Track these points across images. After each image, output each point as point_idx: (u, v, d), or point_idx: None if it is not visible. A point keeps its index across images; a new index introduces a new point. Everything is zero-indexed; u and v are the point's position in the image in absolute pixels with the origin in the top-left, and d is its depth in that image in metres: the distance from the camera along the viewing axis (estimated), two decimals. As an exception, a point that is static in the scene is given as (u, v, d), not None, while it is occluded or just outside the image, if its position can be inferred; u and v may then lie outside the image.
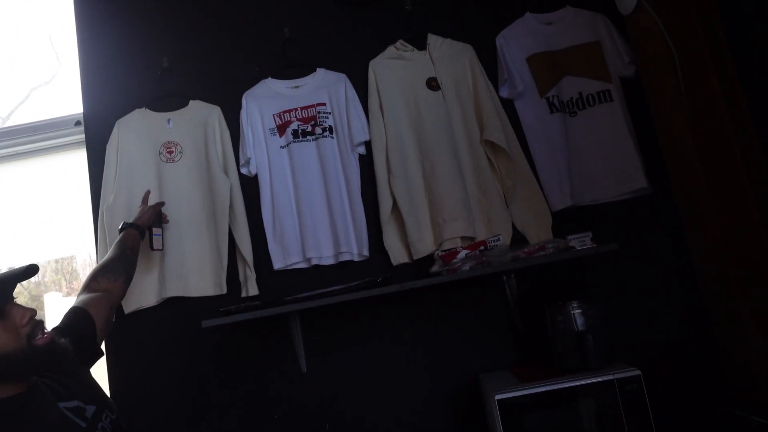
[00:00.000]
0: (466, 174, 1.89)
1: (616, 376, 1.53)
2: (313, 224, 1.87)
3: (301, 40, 2.05)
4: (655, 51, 1.76)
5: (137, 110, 2.00)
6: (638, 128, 1.91)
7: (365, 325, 1.90)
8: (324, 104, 1.96)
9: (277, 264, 1.90)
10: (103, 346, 1.42)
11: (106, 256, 1.59)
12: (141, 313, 1.88)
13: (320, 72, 2.02)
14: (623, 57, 1.94)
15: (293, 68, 2.02)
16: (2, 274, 1.09)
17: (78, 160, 2.13)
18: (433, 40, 2.00)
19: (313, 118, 1.95)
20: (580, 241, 1.67)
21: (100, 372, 1.83)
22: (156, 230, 1.77)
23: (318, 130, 1.94)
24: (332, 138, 1.94)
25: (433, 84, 1.94)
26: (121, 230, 1.69)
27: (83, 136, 2.06)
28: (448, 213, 1.82)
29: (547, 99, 1.95)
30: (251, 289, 1.86)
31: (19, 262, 1.11)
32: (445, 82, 1.95)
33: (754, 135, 1.57)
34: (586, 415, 1.54)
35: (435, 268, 1.73)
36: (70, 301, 1.43)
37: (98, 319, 1.37)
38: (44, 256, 2.36)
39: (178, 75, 2.05)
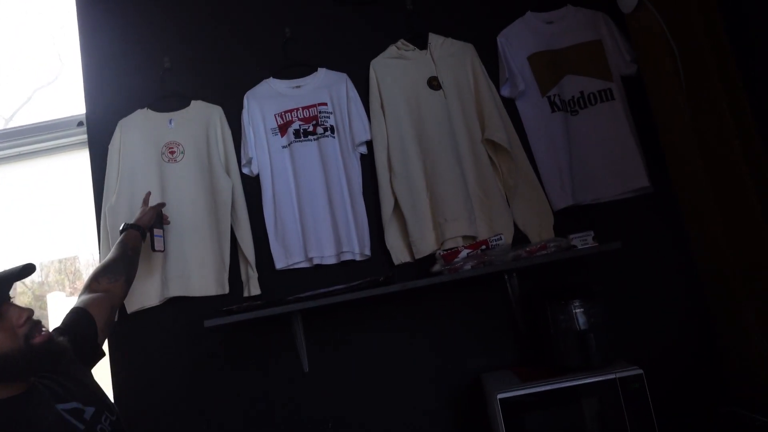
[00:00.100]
0: (467, 173, 1.89)
1: (618, 375, 1.53)
2: (315, 224, 1.87)
3: (302, 39, 2.06)
4: (657, 49, 1.76)
5: (139, 110, 2.01)
6: (639, 127, 1.91)
7: (367, 325, 1.91)
8: (325, 104, 1.97)
9: (279, 264, 1.90)
10: (105, 347, 1.42)
11: (107, 257, 1.59)
12: (143, 313, 1.89)
13: (321, 72, 2.02)
14: (624, 56, 1.94)
15: (294, 68, 2.03)
16: None
17: (80, 161, 2.14)
18: (434, 39, 2.00)
19: (315, 117, 1.95)
20: (582, 240, 1.67)
21: (102, 372, 1.84)
22: (157, 231, 1.77)
23: (319, 129, 1.94)
24: (334, 138, 1.94)
25: (434, 83, 1.95)
26: (122, 231, 1.69)
27: (86, 136, 2.07)
28: (450, 212, 1.82)
29: (549, 98, 1.95)
30: (253, 288, 1.87)
31: (22, 263, 1.10)
32: (446, 82, 1.95)
33: (756, 133, 1.56)
34: (588, 414, 1.54)
35: (437, 268, 1.73)
36: (73, 301, 1.43)
37: (99, 319, 1.36)
38: (47, 256, 2.37)
39: (179, 75, 2.06)
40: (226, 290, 1.89)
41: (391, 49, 2.01)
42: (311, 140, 1.93)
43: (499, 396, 1.54)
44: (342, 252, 1.87)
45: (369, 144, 1.96)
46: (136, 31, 2.12)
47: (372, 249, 1.91)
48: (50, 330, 1.11)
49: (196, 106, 2.01)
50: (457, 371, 1.86)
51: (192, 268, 1.88)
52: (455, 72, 1.96)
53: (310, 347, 1.88)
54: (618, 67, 1.94)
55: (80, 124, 2.11)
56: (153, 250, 1.76)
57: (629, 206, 1.89)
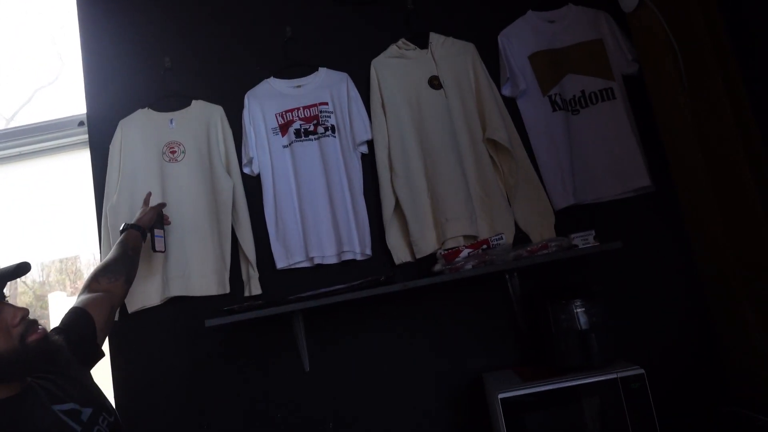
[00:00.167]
0: (468, 173, 1.88)
1: (620, 374, 1.53)
2: (316, 223, 1.87)
3: (303, 39, 2.06)
4: (658, 48, 1.76)
5: (140, 110, 2.01)
6: (641, 126, 1.91)
7: (368, 324, 1.91)
8: (326, 103, 1.97)
9: (280, 263, 1.90)
10: (106, 347, 1.42)
11: (107, 257, 1.59)
12: (144, 313, 1.89)
13: (322, 71, 2.02)
14: (626, 55, 1.93)
15: (295, 67, 2.02)
16: None
17: (81, 161, 2.14)
18: (435, 38, 2.00)
19: (316, 117, 1.95)
20: (583, 240, 1.67)
21: (103, 372, 1.84)
22: (158, 232, 1.76)
23: (320, 129, 1.94)
24: (334, 137, 1.94)
25: (435, 83, 1.94)
26: (122, 231, 1.68)
27: (86, 136, 2.07)
28: (451, 212, 1.82)
29: (550, 97, 1.94)
30: (254, 288, 1.87)
31: (17, 261, 1.09)
32: (447, 81, 1.94)
33: (757, 133, 1.56)
34: (589, 414, 1.54)
35: (438, 267, 1.73)
36: (74, 301, 1.43)
37: (98, 319, 1.35)
38: (48, 256, 2.37)
39: (180, 75, 2.06)
40: (227, 290, 1.89)
41: (392, 49, 2.00)
42: (312, 140, 1.93)
43: (500, 396, 1.54)
44: (343, 251, 1.87)
45: (370, 143, 1.96)
46: (137, 30, 2.12)
47: (373, 248, 1.91)
48: (46, 329, 1.10)
49: (197, 105, 2.01)
50: (458, 371, 1.86)
51: (193, 267, 1.88)
52: (456, 71, 1.96)
53: (311, 347, 1.88)
54: (619, 66, 1.94)
55: (81, 123, 2.11)
56: (153, 250, 1.75)
57: (630, 206, 1.89)
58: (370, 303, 1.80)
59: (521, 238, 1.88)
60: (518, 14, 2.01)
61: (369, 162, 1.96)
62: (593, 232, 1.68)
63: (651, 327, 1.84)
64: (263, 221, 1.92)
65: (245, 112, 1.97)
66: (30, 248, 2.26)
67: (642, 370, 1.53)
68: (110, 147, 1.97)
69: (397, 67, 1.98)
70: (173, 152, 1.96)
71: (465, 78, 1.96)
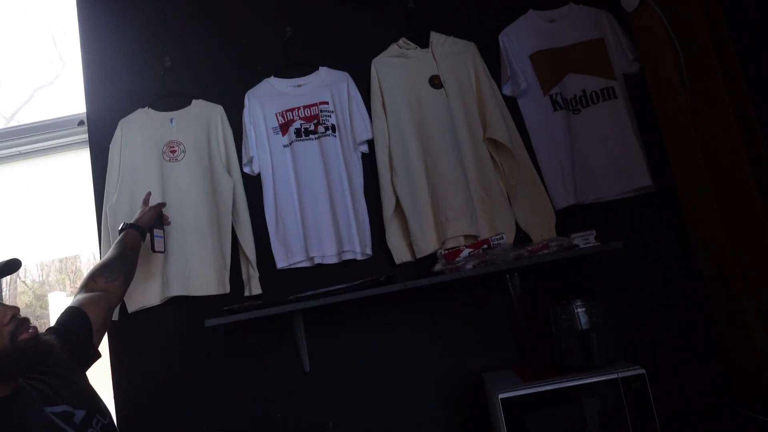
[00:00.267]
0: (469, 172, 1.88)
1: (620, 374, 1.53)
2: (316, 223, 1.87)
3: (303, 38, 2.05)
4: (659, 48, 1.75)
5: (140, 110, 2.00)
6: (642, 126, 1.90)
7: (368, 324, 1.90)
8: (326, 103, 1.96)
9: (280, 263, 1.90)
10: (105, 346, 1.41)
11: (106, 256, 1.57)
12: (144, 313, 1.89)
13: (323, 70, 2.01)
14: (627, 54, 1.93)
15: (295, 67, 2.02)
16: None
17: (81, 160, 2.14)
18: (435, 38, 2.00)
19: (316, 116, 1.95)
20: (584, 240, 1.67)
21: (103, 371, 1.83)
22: (157, 232, 1.75)
23: (321, 128, 1.94)
24: (335, 137, 1.94)
25: (435, 82, 1.94)
26: (121, 231, 1.67)
27: (86, 135, 2.07)
28: (451, 211, 1.82)
29: (551, 96, 1.94)
30: (254, 288, 1.86)
31: (23, 262, 1.09)
32: (447, 80, 1.94)
33: (758, 132, 1.56)
34: (589, 414, 1.54)
35: (438, 267, 1.72)
36: (74, 301, 1.43)
37: (95, 319, 1.33)
38: (48, 256, 2.38)
39: (180, 74, 2.06)
40: (227, 290, 1.89)
41: (393, 48, 2.00)
42: (312, 139, 1.93)
43: (501, 396, 1.54)
44: (343, 251, 1.86)
45: (370, 143, 1.96)
46: (137, 30, 2.11)
47: (373, 248, 1.91)
48: (37, 328, 1.07)
49: (197, 105, 2.01)
50: (458, 371, 1.86)
51: (193, 267, 1.88)
52: (457, 71, 1.96)
53: (311, 347, 1.87)
54: (620, 65, 1.93)
55: (81, 123, 2.11)
56: (153, 250, 1.74)
57: (631, 205, 1.88)
58: (370, 303, 1.79)
59: (522, 237, 1.88)
60: (519, 13, 2.01)
61: (369, 161, 1.96)
62: (594, 231, 1.67)
63: (652, 327, 1.83)
64: (263, 221, 1.92)
65: (245, 112, 1.97)
66: (29, 248, 2.26)
67: (643, 370, 1.52)
68: (110, 146, 1.97)
69: (397, 66, 1.97)
70: (173, 152, 1.96)
71: (466, 77, 1.95)
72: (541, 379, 1.58)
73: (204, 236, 1.90)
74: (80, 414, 1.10)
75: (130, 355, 1.91)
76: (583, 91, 1.91)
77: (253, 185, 1.96)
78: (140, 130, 1.97)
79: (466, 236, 1.82)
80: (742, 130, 1.57)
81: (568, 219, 1.88)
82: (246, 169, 1.96)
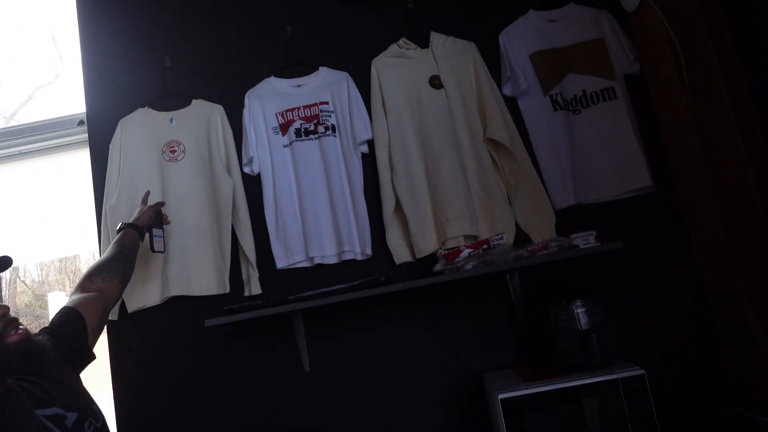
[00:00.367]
0: (469, 172, 1.88)
1: (620, 375, 1.52)
2: (316, 223, 1.86)
3: (303, 38, 2.05)
4: (659, 48, 1.75)
5: (140, 109, 2.00)
6: (642, 126, 1.90)
7: (368, 324, 1.90)
8: (327, 103, 1.96)
9: (280, 263, 1.90)
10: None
11: (103, 256, 1.56)
12: (144, 313, 1.89)
13: (323, 71, 2.01)
14: (627, 54, 1.93)
15: (296, 67, 2.02)
16: None
17: (81, 160, 2.13)
18: (435, 38, 2.00)
19: (316, 116, 1.95)
20: (584, 240, 1.67)
21: (103, 371, 1.83)
22: (156, 231, 1.73)
23: (321, 128, 1.93)
24: (335, 137, 1.94)
25: (435, 82, 1.94)
26: (119, 230, 1.65)
27: (86, 135, 2.07)
28: (451, 212, 1.82)
29: (551, 97, 1.94)
30: (254, 288, 1.86)
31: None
32: (448, 81, 1.94)
33: (758, 132, 1.56)
34: (589, 415, 1.54)
35: (438, 267, 1.72)
36: (74, 301, 1.42)
37: (90, 320, 1.32)
38: (47, 256, 2.37)
39: (180, 74, 2.06)
40: (227, 290, 1.89)
41: (393, 48, 2.00)
42: (312, 139, 1.93)
43: (501, 396, 1.54)
44: (343, 251, 1.86)
45: (370, 143, 1.96)
46: (137, 30, 2.11)
47: (373, 248, 1.91)
48: (27, 328, 1.06)
49: (197, 105, 2.01)
50: (458, 371, 1.86)
51: (193, 267, 1.88)
52: (457, 71, 1.96)
53: (311, 347, 1.87)
54: (621, 65, 1.93)
55: (81, 123, 2.11)
56: (152, 250, 1.73)
57: (631, 206, 1.88)
58: (370, 303, 1.79)
59: (522, 238, 1.88)
60: (519, 13, 2.01)
61: (369, 161, 1.96)
62: (594, 232, 1.67)
63: (652, 327, 1.83)
64: (263, 221, 1.92)
65: (245, 112, 1.97)
66: (29, 248, 2.26)
67: (642, 371, 1.52)
68: (110, 146, 1.97)
69: (397, 66, 1.97)
70: (173, 152, 1.96)
71: (466, 77, 1.95)
72: (541, 380, 1.57)
73: (204, 236, 1.89)
74: (72, 417, 1.08)
75: (129, 355, 1.91)
76: (584, 91, 1.91)
77: (253, 185, 1.96)
78: (140, 130, 1.97)
79: (466, 236, 1.82)
80: (743, 130, 1.57)
81: (568, 219, 1.88)
82: (246, 169, 1.96)
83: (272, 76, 2.01)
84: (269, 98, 1.98)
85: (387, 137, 1.92)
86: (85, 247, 2.25)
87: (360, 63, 2.00)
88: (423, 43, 2.00)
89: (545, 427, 1.54)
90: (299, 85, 2.00)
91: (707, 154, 1.66)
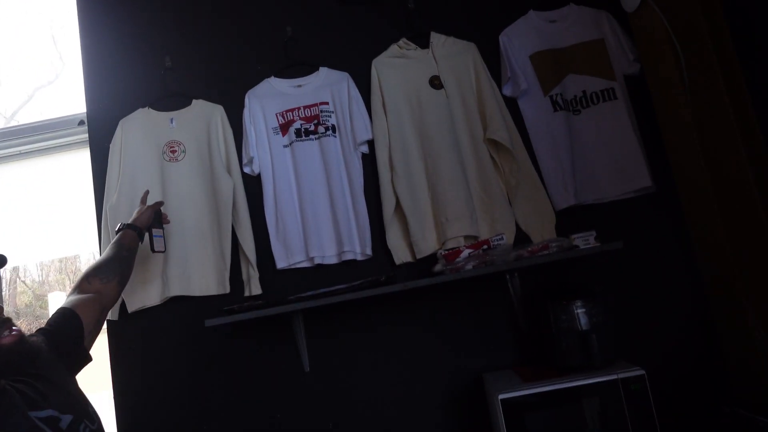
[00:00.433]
0: (469, 173, 1.88)
1: (620, 375, 1.52)
2: (316, 223, 1.87)
3: (303, 38, 2.05)
4: (660, 49, 1.75)
5: (140, 110, 2.00)
6: (642, 126, 1.90)
7: (368, 325, 1.90)
8: (327, 103, 1.96)
9: (280, 263, 1.90)
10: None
11: (101, 257, 1.55)
12: (144, 313, 1.89)
13: (323, 71, 2.01)
14: (627, 55, 1.93)
15: (296, 67, 2.02)
16: None
17: (81, 160, 2.14)
18: (436, 38, 2.00)
19: (316, 117, 1.95)
20: (584, 240, 1.67)
21: (103, 371, 1.84)
22: (156, 231, 1.72)
23: (321, 129, 1.94)
24: (335, 137, 1.94)
25: (436, 82, 1.94)
26: (118, 231, 1.64)
27: (87, 135, 2.07)
28: (451, 212, 1.82)
29: (551, 97, 1.94)
30: (254, 288, 1.86)
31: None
32: (448, 81, 1.94)
33: (758, 133, 1.56)
34: (589, 415, 1.54)
35: (438, 268, 1.72)
36: (74, 301, 1.41)
37: (87, 321, 1.31)
38: (48, 256, 2.38)
39: (180, 74, 2.06)
40: (227, 290, 1.89)
41: (393, 48, 2.00)
42: (312, 139, 1.93)
43: (501, 396, 1.54)
44: (343, 251, 1.86)
45: (370, 143, 1.96)
46: (137, 30, 2.11)
47: (373, 248, 1.91)
48: (21, 329, 1.04)
49: (198, 105, 2.01)
50: (458, 371, 1.86)
51: (193, 267, 1.88)
52: (457, 71, 1.96)
53: (311, 347, 1.87)
54: (621, 66, 1.94)
55: (81, 123, 2.11)
56: (153, 251, 1.72)
57: (631, 206, 1.88)
58: (370, 303, 1.80)
59: (522, 238, 1.88)
60: (519, 14, 2.01)
61: (369, 162, 1.96)
62: (594, 232, 1.67)
63: (652, 328, 1.83)
64: (263, 221, 1.92)
65: (246, 112, 1.97)
66: (29, 248, 2.26)
67: (643, 371, 1.52)
68: (110, 146, 1.97)
69: (398, 66, 1.97)
70: (173, 152, 1.96)
71: (466, 78, 1.95)
72: (541, 380, 1.58)
73: (204, 236, 1.90)
74: (67, 419, 1.06)
75: (130, 355, 1.91)
76: (584, 91, 1.91)
77: (253, 185, 1.96)
78: (140, 130, 1.97)
79: (466, 237, 1.82)
80: (743, 131, 1.57)
81: (568, 219, 1.88)
82: (246, 170, 1.96)
83: (272, 77, 2.01)
84: (269, 98, 1.98)
85: (387, 137, 1.92)
86: (85, 247, 2.25)
87: (360, 63, 2.00)
88: (423, 43, 2.00)
89: (545, 428, 1.54)
90: (299, 86, 2.00)
91: (707, 154, 1.66)
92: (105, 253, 1.57)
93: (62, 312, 1.31)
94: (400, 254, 1.89)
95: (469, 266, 1.64)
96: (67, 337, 1.25)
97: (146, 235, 1.70)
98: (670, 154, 1.82)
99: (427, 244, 1.85)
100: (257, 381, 1.88)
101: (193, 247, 1.89)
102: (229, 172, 1.94)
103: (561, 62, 1.94)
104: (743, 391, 1.70)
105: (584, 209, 1.89)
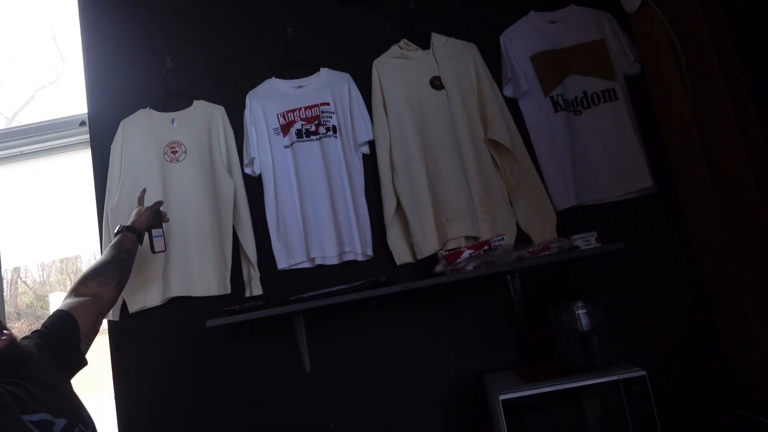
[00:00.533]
0: (469, 173, 1.88)
1: (621, 376, 1.53)
2: (317, 224, 1.87)
3: (304, 39, 2.06)
4: (660, 49, 1.75)
5: (141, 110, 2.01)
6: (643, 127, 1.90)
7: (369, 325, 1.90)
8: (327, 104, 1.96)
9: (281, 264, 1.90)
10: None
11: (99, 259, 1.54)
12: (145, 313, 1.89)
13: (324, 71, 2.02)
14: (628, 55, 1.93)
15: (297, 68, 2.02)
16: None
17: (83, 160, 2.14)
18: (436, 39, 2.00)
19: (317, 117, 1.95)
20: (585, 241, 1.67)
21: (104, 371, 1.84)
22: (156, 231, 1.71)
23: (322, 129, 1.94)
24: (336, 138, 1.94)
25: (436, 83, 1.94)
26: (117, 233, 1.62)
27: (88, 136, 2.07)
28: (452, 212, 1.82)
29: (552, 98, 1.94)
30: (255, 288, 1.87)
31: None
32: (448, 82, 1.94)
33: (759, 133, 1.56)
34: (590, 416, 1.54)
35: (439, 268, 1.72)
36: (75, 302, 1.41)
37: (84, 325, 1.30)
38: (49, 256, 2.38)
39: (182, 75, 2.06)
40: (228, 290, 1.89)
41: (394, 49, 2.00)
42: (313, 140, 1.93)
43: (502, 397, 1.54)
44: (344, 252, 1.86)
45: (371, 144, 1.96)
46: (138, 30, 2.12)
47: (374, 249, 1.91)
48: (12, 333, 1.04)
49: (199, 105, 2.01)
50: (459, 371, 1.86)
51: (194, 268, 1.88)
52: (458, 72, 1.96)
53: (312, 347, 1.88)
54: (621, 66, 1.94)
55: (82, 123, 2.11)
56: (153, 251, 1.71)
57: (632, 207, 1.89)
58: (371, 304, 1.80)
59: (523, 239, 1.88)
60: (520, 15, 2.01)
61: (370, 162, 1.96)
62: (595, 233, 1.67)
63: (653, 328, 1.83)
64: (264, 221, 1.92)
65: (247, 113, 1.97)
66: (30, 248, 2.26)
67: (644, 372, 1.52)
68: (111, 147, 1.97)
69: (398, 67, 1.97)
70: (174, 152, 1.96)
71: (467, 78, 1.96)
72: (541, 381, 1.58)
73: (205, 237, 1.90)
74: (60, 423, 1.05)
75: (131, 355, 1.91)
76: (584, 92, 1.91)
77: (254, 186, 1.96)
78: (141, 131, 1.97)
79: (467, 237, 1.82)
80: (743, 131, 1.57)
81: (569, 220, 1.88)
82: (247, 170, 1.97)
83: (273, 77, 2.02)
84: (270, 99, 1.98)
85: (388, 138, 1.92)
86: (86, 248, 2.26)
87: (361, 64, 2.00)
88: (424, 44, 2.00)
89: (546, 428, 1.54)
90: (300, 86, 2.00)
91: (708, 154, 1.66)
92: (103, 256, 1.56)
93: (59, 315, 1.30)
94: (401, 255, 1.89)
95: (470, 267, 1.64)
96: (63, 340, 1.25)
97: (146, 236, 1.69)
98: (670, 154, 1.82)
99: (428, 244, 1.85)
100: (258, 381, 1.88)
101: (194, 247, 1.89)
102: (230, 172, 1.94)
103: (562, 63, 1.94)
104: (744, 391, 1.70)
105: (585, 210, 1.89)
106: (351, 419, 1.86)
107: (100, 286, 1.44)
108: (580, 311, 1.62)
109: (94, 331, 1.37)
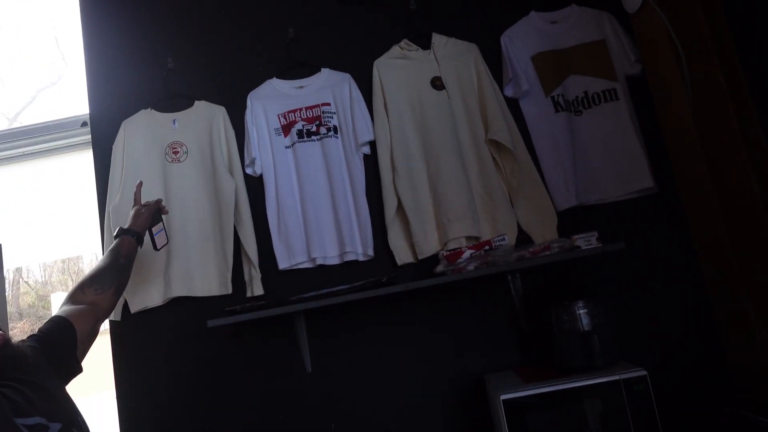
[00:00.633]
0: (470, 174, 1.88)
1: (622, 376, 1.53)
2: (318, 224, 1.87)
3: (305, 40, 2.06)
4: (661, 49, 1.75)
5: (143, 111, 2.01)
6: (644, 127, 1.90)
7: (370, 325, 1.91)
8: (328, 104, 1.97)
9: (282, 264, 1.90)
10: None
11: (97, 265, 1.53)
12: (146, 313, 1.89)
13: (324, 72, 2.02)
14: (629, 55, 1.93)
15: (298, 68, 2.03)
16: None
17: (84, 161, 2.14)
18: (437, 39, 2.00)
19: (318, 118, 1.95)
20: (586, 241, 1.67)
21: (105, 371, 1.84)
22: (156, 228, 1.70)
23: (323, 130, 1.94)
24: (337, 138, 1.94)
25: (437, 83, 1.94)
26: (116, 236, 1.61)
27: (89, 136, 2.07)
28: (453, 213, 1.82)
29: (552, 98, 1.94)
30: (256, 289, 1.87)
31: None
32: (449, 82, 1.94)
33: (760, 134, 1.56)
34: (591, 416, 1.54)
35: (440, 268, 1.73)
36: (76, 302, 1.41)
37: (81, 332, 1.29)
38: (51, 257, 2.38)
39: (183, 75, 2.06)
40: (229, 290, 1.89)
41: (395, 50, 2.01)
42: (314, 140, 1.93)
43: (503, 397, 1.54)
44: (345, 252, 1.87)
45: (372, 144, 1.96)
46: (140, 31, 2.12)
47: (375, 249, 1.91)
48: (6, 334, 1.04)
49: (200, 106, 2.02)
50: (459, 372, 1.86)
51: (195, 268, 1.88)
52: (459, 72, 1.96)
53: (313, 347, 1.88)
54: (622, 66, 1.94)
55: (84, 124, 2.12)
56: (156, 249, 1.71)
57: (633, 207, 1.89)
58: (372, 304, 1.80)
59: (523, 239, 1.88)
60: (521, 15, 2.01)
61: (371, 163, 1.97)
62: (596, 233, 1.67)
63: (654, 328, 1.83)
64: (265, 222, 1.92)
65: (248, 113, 1.97)
66: (32, 248, 2.27)
67: (645, 372, 1.52)
68: (113, 147, 1.97)
69: (399, 67, 1.98)
70: (176, 153, 1.96)
71: (467, 79, 1.96)
72: (542, 381, 1.58)
73: (206, 237, 1.90)
74: (55, 427, 1.04)
75: (132, 355, 1.91)
76: (585, 92, 1.91)
77: (255, 186, 1.96)
78: (143, 131, 1.98)
79: (467, 237, 1.83)
80: (744, 131, 1.57)
81: (569, 220, 1.88)
82: (248, 170, 1.97)
83: (274, 78, 2.02)
84: (271, 99, 1.98)
85: (389, 138, 1.93)
86: (88, 248, 2.26)
87: (362, 64, 2.00)
88: (425, 44, 2.00)
89: (547, 428, 1.55)
90: (301, 87, 2.00)
91: (708, 154, 1.66)
92: (101, 261, 1.54)
93: (57, 321, 1.30)
94: (402, 255, 1.89)
95: (471, 267, 1.64)
96: (59, 346, 1.24)
97: (145, 237, 1.68)
98: (671, 154, 1.82)
99: (429, 244, 1.85)
100: (259, 381, 1.89)
101: (196, 247, 1.89)
102: (231, 173, 1.94)
103: (562, 63, 1.95)
104: (744, 391, 1.70)
105: (586, 210, 1.89)
106: (352, 419, 1.86)
107: (97, 294, 1.43)
108: (581, 311, 1.62)
109: (91, 339, 1.36)
